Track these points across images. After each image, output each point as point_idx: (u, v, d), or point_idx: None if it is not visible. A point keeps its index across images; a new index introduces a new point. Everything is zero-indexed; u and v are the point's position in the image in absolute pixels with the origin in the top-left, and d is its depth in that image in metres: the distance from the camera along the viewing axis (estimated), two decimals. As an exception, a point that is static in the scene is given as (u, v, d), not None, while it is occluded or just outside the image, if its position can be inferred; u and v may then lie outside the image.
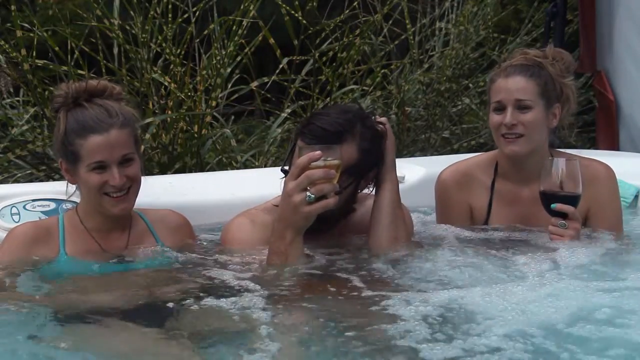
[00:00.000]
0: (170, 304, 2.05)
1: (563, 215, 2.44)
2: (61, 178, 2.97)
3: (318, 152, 2.11)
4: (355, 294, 2.10)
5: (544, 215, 2.55)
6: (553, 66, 2.63)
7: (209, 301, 2.05)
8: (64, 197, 2.56)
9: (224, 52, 4.88)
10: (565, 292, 2.03)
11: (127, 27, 4.87)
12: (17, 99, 5.37)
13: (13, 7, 4.39)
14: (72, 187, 2.44)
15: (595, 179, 2.62)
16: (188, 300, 2.06)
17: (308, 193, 2.11)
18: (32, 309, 2.05)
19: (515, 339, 1.73)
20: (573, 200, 2.43)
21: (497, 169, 2.75)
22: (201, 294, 2.11)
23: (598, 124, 5.54)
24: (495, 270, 2.27)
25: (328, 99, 5.18)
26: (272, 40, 5.00)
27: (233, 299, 2.04)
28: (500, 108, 2.61)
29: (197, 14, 4.98)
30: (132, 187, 2.34)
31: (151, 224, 2.50)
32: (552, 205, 2.43)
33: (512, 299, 1.97)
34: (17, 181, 4.43)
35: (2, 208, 2.85)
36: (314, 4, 5.08)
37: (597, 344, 1.73)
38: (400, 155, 5.44)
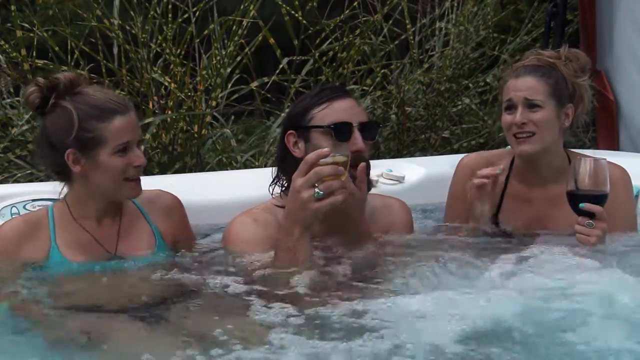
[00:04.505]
0: (171, 305, 2.05)
1: (590, 215, 2.41)
2: (61, 178, 2.94)
3: (326, 149, 2.12)
4: (359, 294, 2.09)
5: (556, 217, 2.53)
6: (566, 66, 2.62)
7: (211, 302, 2.05)
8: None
9: (224, 52, 4.88)
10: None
11: (127, 27, 4.87)
12: (17, 99, 5.36)
13: (13, 7, 4.40)
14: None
15: (611, 181, 2.59)
16: (189, 301, 2.06)
17: (316, 189, 2.11)
18: (26, 306, 2.04)
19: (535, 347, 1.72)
20: (601, 199, 2.41)
21: (512, 166, 2.74)
22: (203, 294, 2.11)
23: (598, 124, 5.53)
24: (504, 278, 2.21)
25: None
26: (272, 40, 5.01)
27: (235, 299, 2.03)
28: (511, 107, 2.61)
29: (197, 14, 4.99)
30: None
31: (142, 206, 2.44)
32: (581, 205, 2.39)
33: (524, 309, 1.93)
34: (17, 181, 4.42)
35: (2, 208, 2.85)
36: (314, 4, 5.09)
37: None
38: (400, 155, 5.47)
